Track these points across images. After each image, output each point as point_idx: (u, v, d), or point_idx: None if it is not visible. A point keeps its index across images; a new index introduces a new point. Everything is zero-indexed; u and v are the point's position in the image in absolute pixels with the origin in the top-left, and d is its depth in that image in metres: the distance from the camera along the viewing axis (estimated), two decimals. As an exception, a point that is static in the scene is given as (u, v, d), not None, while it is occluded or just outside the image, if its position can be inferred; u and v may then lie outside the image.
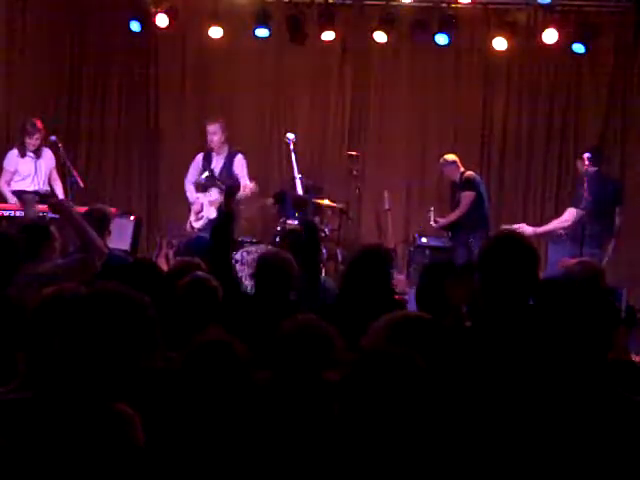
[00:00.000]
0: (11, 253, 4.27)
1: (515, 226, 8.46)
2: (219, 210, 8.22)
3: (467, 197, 9.24)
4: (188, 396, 2.44)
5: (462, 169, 9.47)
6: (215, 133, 9.14)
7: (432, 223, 9.40)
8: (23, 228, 5.24)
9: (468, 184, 9.31)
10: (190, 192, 9.25)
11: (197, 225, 9.10)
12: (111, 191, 11.06)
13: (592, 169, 8.32)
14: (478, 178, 9.49)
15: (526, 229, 8.34)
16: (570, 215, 8.43)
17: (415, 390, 2.15)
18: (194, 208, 9.18)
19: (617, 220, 8.48)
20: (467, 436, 2.61)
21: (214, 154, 9.21)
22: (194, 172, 9.26)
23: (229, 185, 7.71)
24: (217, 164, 9.19)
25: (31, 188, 9.03)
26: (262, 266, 4.72)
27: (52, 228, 5.28)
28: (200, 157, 9.28)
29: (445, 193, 10.12)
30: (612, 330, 2.90)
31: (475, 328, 3.38)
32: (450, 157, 9.55)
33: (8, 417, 2.34)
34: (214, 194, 9.01)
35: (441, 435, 2.35)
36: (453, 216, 9.30)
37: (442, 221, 9.39)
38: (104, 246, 5.19)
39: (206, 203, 9.11)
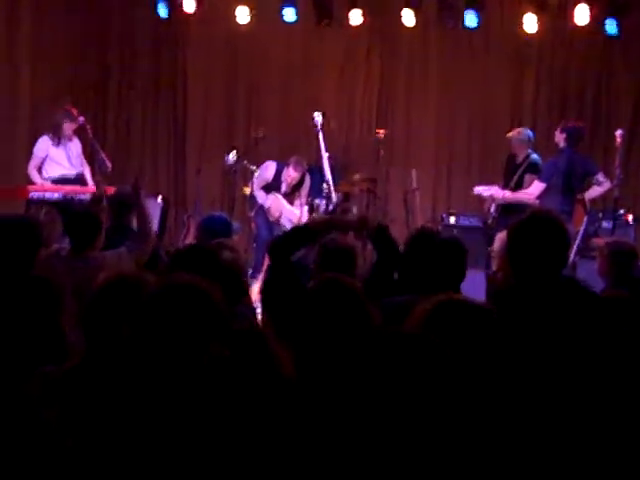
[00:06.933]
0: (32, 238, 4.29)
1: (484, 188, 8.69)
2: None
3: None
4: None
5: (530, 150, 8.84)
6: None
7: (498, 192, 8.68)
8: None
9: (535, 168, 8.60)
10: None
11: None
12: (138, 172, 11.08)
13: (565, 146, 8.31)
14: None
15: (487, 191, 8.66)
16: (536, 188, 8.27)
17: (427, 376, 1.90)
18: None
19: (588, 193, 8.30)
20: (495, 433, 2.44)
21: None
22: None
23: None
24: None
25: (67, 172, 9.02)
26: (323, 255, 4.34)
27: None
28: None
29: (473, 171, 9.99)
30: None
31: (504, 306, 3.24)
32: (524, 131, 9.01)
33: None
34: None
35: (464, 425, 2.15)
36: (521, 196, 8.38)
37: (509, 195, 8.55)
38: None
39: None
